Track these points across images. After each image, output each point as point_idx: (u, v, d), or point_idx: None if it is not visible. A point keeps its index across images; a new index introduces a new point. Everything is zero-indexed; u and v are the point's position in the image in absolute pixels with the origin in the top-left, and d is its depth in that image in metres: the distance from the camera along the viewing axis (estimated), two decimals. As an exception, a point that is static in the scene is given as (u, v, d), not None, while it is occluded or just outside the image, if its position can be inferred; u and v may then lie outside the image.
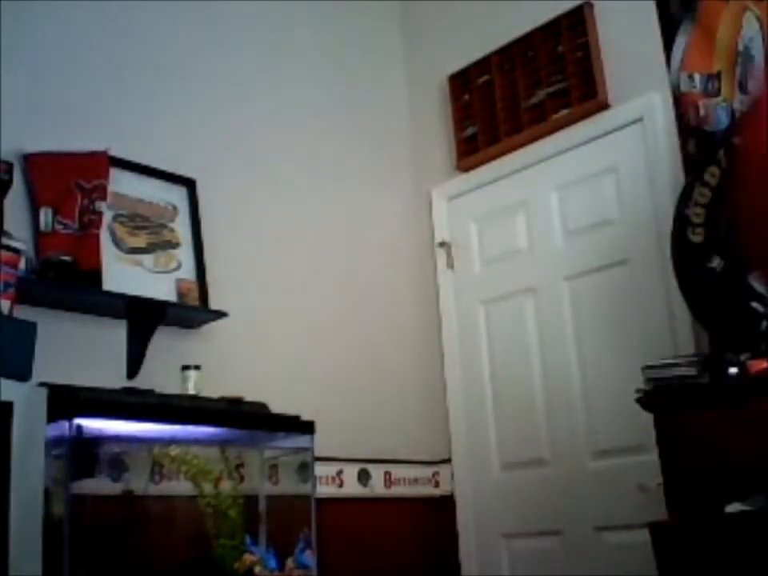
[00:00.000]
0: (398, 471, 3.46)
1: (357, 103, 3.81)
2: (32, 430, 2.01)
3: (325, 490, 3.08)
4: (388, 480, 3.43)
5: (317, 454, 2.80)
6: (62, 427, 2.20)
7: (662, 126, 3.10)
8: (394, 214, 3.83)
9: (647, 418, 2.50)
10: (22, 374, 2.06)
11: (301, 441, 2.79)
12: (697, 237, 2.63)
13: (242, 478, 2.85)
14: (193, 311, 2.93)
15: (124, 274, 2.81)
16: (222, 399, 2.66)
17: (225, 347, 3.01)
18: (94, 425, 2.33)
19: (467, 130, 3.70)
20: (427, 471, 3.58)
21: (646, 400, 2.48)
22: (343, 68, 3.80)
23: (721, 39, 2.99)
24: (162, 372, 2.77)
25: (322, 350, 3.35)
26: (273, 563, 2.63)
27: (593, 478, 3.15)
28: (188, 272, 3.00)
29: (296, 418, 2.76)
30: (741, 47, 2.93)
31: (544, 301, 3.40)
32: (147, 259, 2.92)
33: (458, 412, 3.60)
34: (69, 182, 2.74)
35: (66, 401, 2.21)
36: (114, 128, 2.93)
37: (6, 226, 2.41)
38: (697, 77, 3.03)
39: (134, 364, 2.78)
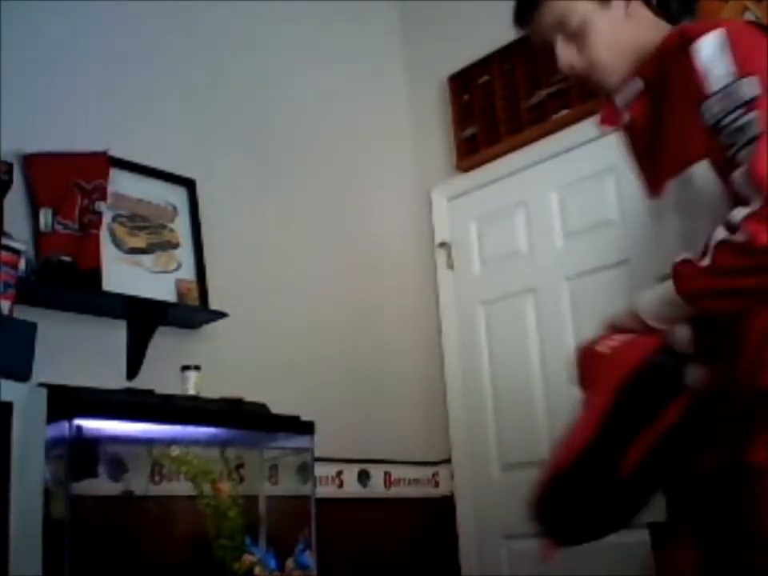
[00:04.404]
0: (397, 471, 3.46)
1: (357, 103, 3.81)
2: (32, 430, 2.00)
3: (325, 491, 3.07)
4: (388, 480, 3.43)
5: (317, 454, 2.80)
6: (62, 427, 2.20)
7: (662, 127, 3.10)
8: (394, 214, 3.83)
9: (647, 418, 2.50)
10: (22, 374, 2.06)
11: (301, 441, 2.78)
12: (697, 237, 2.63)
13: (241, 479, 2.85)
14: (193, 311, 2.93)
15: (124, 274, 2.81)
16: (222, 400, 2.66)
17: (225, 347, 3.01)
18: (93, 425, 2.33)
19: (467, 130, 3.70)
20: (427, 471, 3.58)
21: (646, 400, 2.48)
22: (343, 68, 3.80)
23: (721, 39, 2.98)
24: (161, 372, 2.77)
25: (322, 349, 3.35)
26: (273, 564, 2.63)
27: (593, 479, 3.14)
28: (188, 272, 3.00)
29: (296, 419, 2.76)
30: (741, 47, 2.93)
31: (544, 301, 3.40)
32: (147, 259, 2.91)
33: (458, 412, 3.60)
34: (69, 182, 2.74)
35: (66, 401, 2.21)
36: (114, 128, 2.93)
37: (6, 226, 2.41)
38: (697, 77, 3.03)
39: (134, 364, 2.78)
